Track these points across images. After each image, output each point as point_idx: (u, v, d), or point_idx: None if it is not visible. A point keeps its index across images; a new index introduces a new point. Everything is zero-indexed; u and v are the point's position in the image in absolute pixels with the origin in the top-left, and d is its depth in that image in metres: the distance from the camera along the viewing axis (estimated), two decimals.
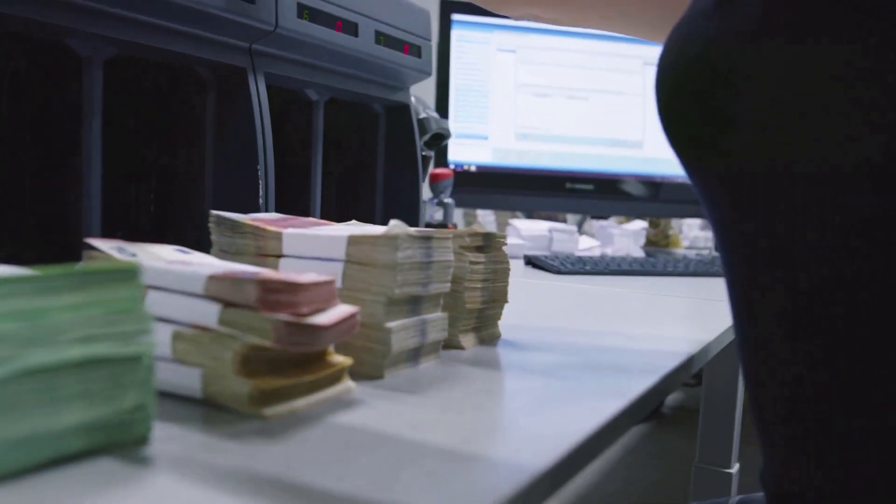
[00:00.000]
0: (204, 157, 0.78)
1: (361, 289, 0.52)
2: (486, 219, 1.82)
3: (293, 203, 0.91)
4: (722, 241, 0.47)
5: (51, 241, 0.70)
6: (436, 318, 0.56)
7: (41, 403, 0.31)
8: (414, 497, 0.33)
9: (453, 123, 1.54)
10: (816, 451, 0.44)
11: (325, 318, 0.44)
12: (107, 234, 0.69)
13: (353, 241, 0.52)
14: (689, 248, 1.91)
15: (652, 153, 1.67)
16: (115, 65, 0.69)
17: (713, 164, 0.45)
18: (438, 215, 1.38)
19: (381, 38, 0.92)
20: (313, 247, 0.53)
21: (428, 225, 1.33)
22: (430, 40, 1.02)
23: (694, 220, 1.90)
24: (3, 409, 0.30)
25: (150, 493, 0.31)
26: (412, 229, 0.53)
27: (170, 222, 0.81)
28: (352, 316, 0.46)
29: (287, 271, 0.46)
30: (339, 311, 0.46)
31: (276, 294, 0.42)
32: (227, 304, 0.43)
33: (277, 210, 0.79)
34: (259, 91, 0.78)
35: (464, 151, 1.55)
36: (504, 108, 1.60)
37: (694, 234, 1.91)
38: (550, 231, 1.50)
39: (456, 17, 1.58)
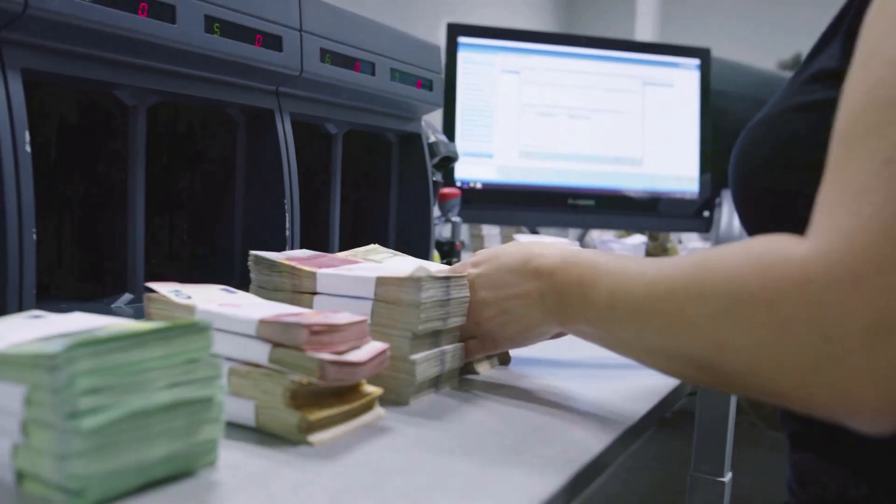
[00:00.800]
0: (235, 192, 0.85)
1: (388, 325, 0.58)
2: (491, 233, 1.88)
3: (313, 228, 0.97)
4: None
5: (99, 273, 0.76)
6: (454, 348, 0.62)
7: (137, 440, 0.38)
8: None
9: (459, 142, 1.60)
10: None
11: (360, 355, 0.50)
12: (148, 265, 0.76)
13: (380, 282, 0.58)
14: None
15: (651, 170, 1.73)
16: (154, 109, 0.75)
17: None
18: (446, 233, 1.44)
19: (396, 75, 0.98)
20: (345, 286, 0.60)
21: (437, 243, 1.39)
22: (440, 73, 1.08)
23: (691, 232, 1.96)
24: (107, 446, 0.36)
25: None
26: (434, 269, 0.59)
27: (203, 253, 0.87)
28: (383, 352, 0.52)
29: (325, 311, 0.52)
30: (372, 348, 0.52)
31: (319, 336, 0.48)
32: (276, 344, 0.49)
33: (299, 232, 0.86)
34: (285, 130, 0.84)
35: (470, 169, 1.61)
36: (508, 128, 1.66)
37: (692, 244, 1.97)
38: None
39: (462, 39, 1.64)
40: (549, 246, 0.63)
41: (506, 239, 1.89)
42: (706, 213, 1.76)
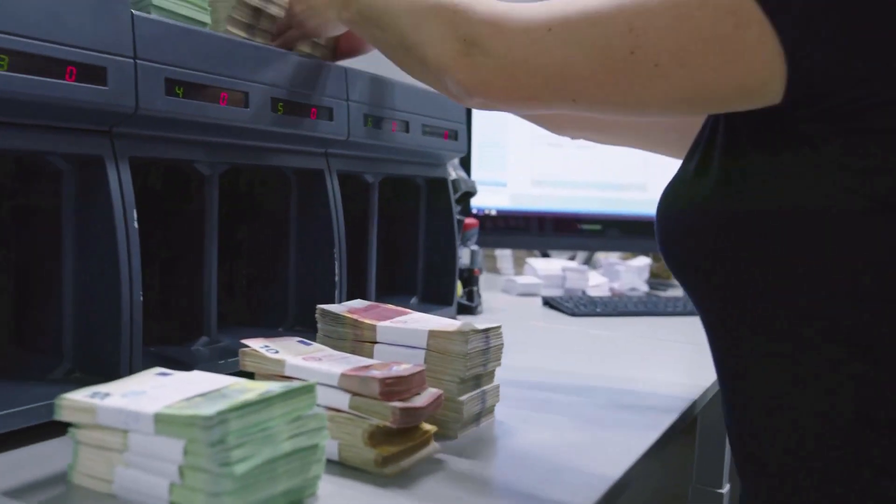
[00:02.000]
0: (289, 243, 0.96)
1: (439, 371, 0.69)
2: (504, 254, 1.99)
3: (351, 265, 1.07)
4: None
5: (178, 319, 0.87)
6: (492, 388, 0.74)
7: (266, 480, 0.49)
8: None
9: (476, 172, 1.71)
10: None
11: (422, 401, 0.62)
12: (219, 312, 0.87)
13: (432, 335, 0.70)
14: None
15: (654, 195, 1.83)
16: (222, 173, 0.87)
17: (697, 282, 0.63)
18: (465, 259, 1.55)
19: (427, 130, 1.09)
20: (401, 337, 0.71)
21: None
22: (464, 124, 1.20)
23: None
24: (247, 485, 0.48)
25: None
26: (477, 324, 0.71)
27: (262, 297, 0.98)
28: (439, 397, 0.64)
29: (390, 363, 0.63)
30: (430, 394, 0.63)
31: (390, 387, 0.60)
32: (354, 393, 0.60)
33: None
34: (334, 187, 0.95)
35: (485, 198, 1.72)
36: (521, 158, 1.77)
37: None
38: (564, 270, 1.68)
39: None
40: None
41: (517, 261, 2.00)
42: None
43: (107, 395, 0.53)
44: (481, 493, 0.57)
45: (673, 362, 1.08)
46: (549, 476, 0.61)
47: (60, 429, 0.56)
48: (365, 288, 1.08)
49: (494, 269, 2.01)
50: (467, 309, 1.34)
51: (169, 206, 0.87)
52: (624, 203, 1.83)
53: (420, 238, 1.21)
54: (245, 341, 0.67)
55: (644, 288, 1.78)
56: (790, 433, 0.58)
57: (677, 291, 1.79)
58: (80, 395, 0.54)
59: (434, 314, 1.13)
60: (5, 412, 0.61)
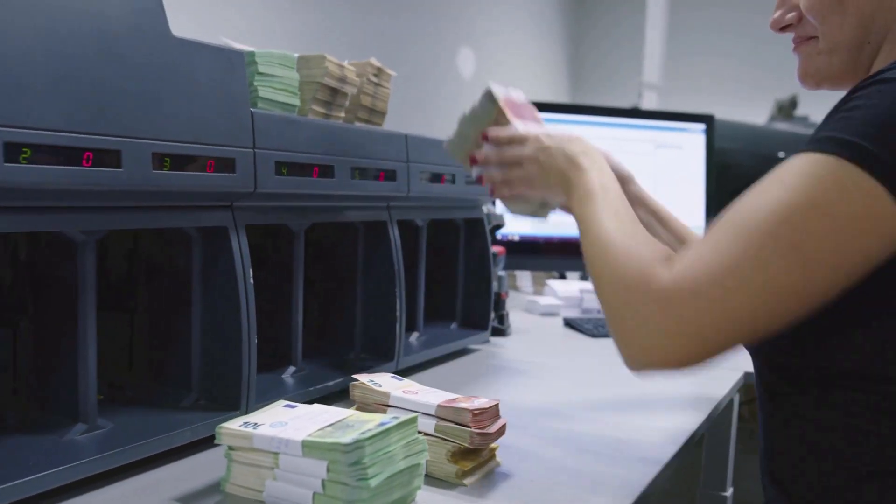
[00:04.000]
0: (356, 283, 1.12)
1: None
2: (523, 274, 2.15)
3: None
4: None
5: (271, 351, 1.03)
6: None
7: (386, 491, 0.65)
8: None
9: (499, 202, 1.87)
10: None
11: (493, 427, 0.78)
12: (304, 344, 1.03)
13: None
14: None
15: None
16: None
17: None
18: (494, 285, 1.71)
19: (469, 181, 1.26)
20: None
21: None
22: None
23: None
24: (374, 495, 0.64)
25: None
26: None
27: (332, 328, 1.15)
28: (504, 425, 0.80)
29: (470, 396, 0.79)
30: (499, 422, 0.79)
31: (477, 417, 0.76)
32: (442, 419, 0.76)
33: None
34: (395, 236, 1.12)
35: (509, 224, 1.88)
36: None
37: None
38: (581, 292, 1.84)
39: None
40: (597, 156, 0.86)
41: (536, 280, 2.16)
42: None
43: (257, 424, 0.70)
44: (536, 490, 0.73)
45: (687, 381, 1.24)
46: (581, 481, 0.77)
47: (184, 450, 0.72)
48: (415, 316, 1.24)
49: (514, 287, 2.17)
50: (499, 331, 1.50)
51: (265, 257, 1.03)
52: None
53: (459, 271, 1.38)
54: (356, 376, 0.84)
55: None
56: (818, 473, 0.70)
57: None
58: (235, 425, 0.70)
59: (471, 338, 1.30)
60: (152, 439, 0.77)
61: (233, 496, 0.71)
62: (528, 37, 5.79)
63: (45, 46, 0.63)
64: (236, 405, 0.85)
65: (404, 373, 1.18)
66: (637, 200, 1.06)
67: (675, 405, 1.08)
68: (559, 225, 1.94)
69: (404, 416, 0.69)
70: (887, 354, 0.64)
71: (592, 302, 1.82)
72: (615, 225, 0.75)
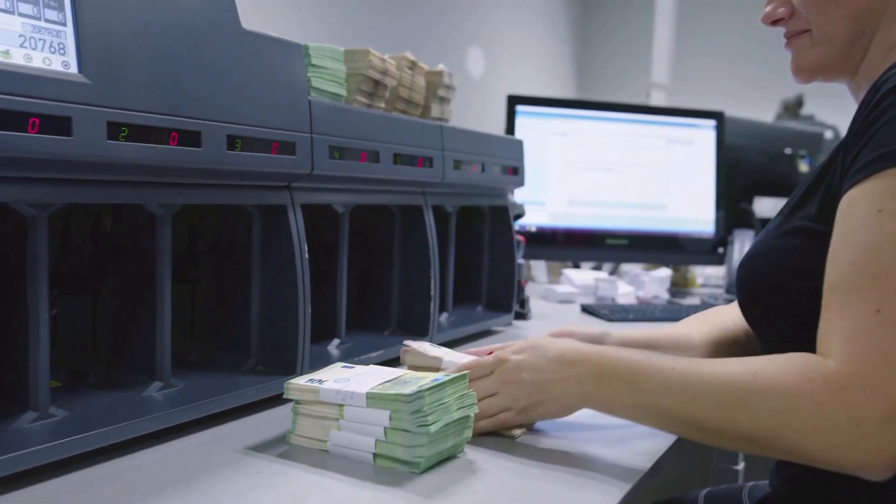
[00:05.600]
0: (394, 266, 1.19)
1: None
2: (538, 265, 2.23)
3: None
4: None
5: (316, 325, 1.10)
6: None
7: (441, 438, 0.73)
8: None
9: (518, 192, 1.94)
10: None
11: None
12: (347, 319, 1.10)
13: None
14: (704, 285, 2.33)
15: (674, 213, 2.07)
16: (352, 213, 1.10)
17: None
18: None
19: (498, 169, 1.33)
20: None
21: None
22: (523, 159, 1.43)
23: (707, 266, 2.30)
24: (431, 441, 0.71)
25: (470, 465, 0.72)
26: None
27: (370, 304, 1.22)
28: None
29: None
30: None
31: None
32: None
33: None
34: (430, 220, 1.19)
35: (526, 215, 1.96)
36: (558, 180, 2.01)
37: (707, 272, 2.33)
38: (596, 280, 1.91)
39: (519, 108, 1.99)
40: (574, 342, 0.81)
41: (550, 270, 2.24)
42: (720, 250, 2.11)
43: (322, 381, 0.77)
44: (569, 446, 0.80)
45: None
46: (604, 449, 0.84)
47: (246, 409, 0.80)
48: (445, 296, 1.31)
49: (529, 277, 2.24)
50: (521, 315, 1.57)
51: (309, 238, 1.10)
52: (647, 220, 2.06)
53: (485, 256, 1.45)
54: (407, 342, 0.91)
55: (665, 296, 2.01)
56: None
57: (695, 300, 2.02)
58: (302, 381, 0.77)
59: (496, 320, 1.37)
60: (222, 396, 0.84)
61: (297, 447, 0.78)
62: (535, 37, 5.86)
63: (139, 39, 0.71)
64: (292, 370, 0.92)
65: None
66: (626, 344, 0.98)
67: None
68: (574, 217, 2.01)
69: (461, 374, 0.76)
70: None
71: (607, 290, 1.90)
72: (690, 368, 0.71)
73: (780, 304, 0.78)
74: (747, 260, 0.84)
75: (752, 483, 1.04)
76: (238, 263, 0.95)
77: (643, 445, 0.83)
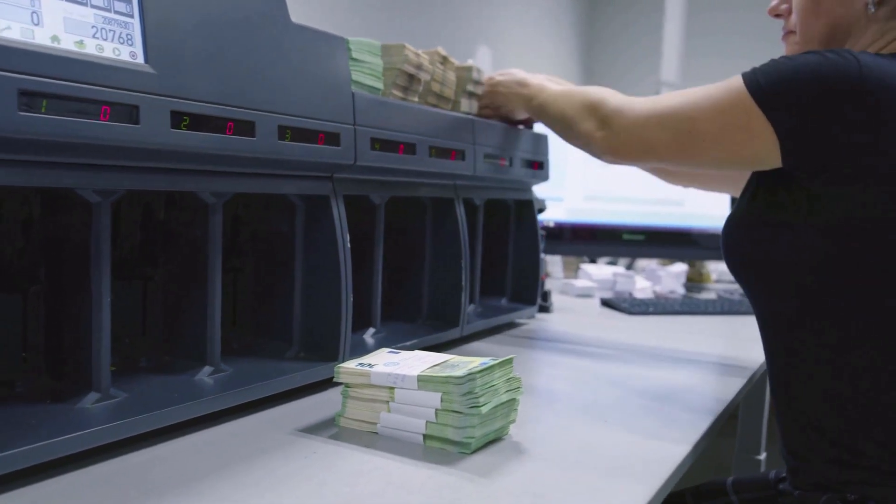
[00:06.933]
0: (425, 257, 1.21)
1: None
2: (554, 260, 2.25)
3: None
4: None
5: (356, 316, 1.12)
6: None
7: (491, 419, 0.75)
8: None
9: (536, 189, 1.96)
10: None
11: None
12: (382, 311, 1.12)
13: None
14: (718, 280, 2.35)
15: (690, 210, 2.09)
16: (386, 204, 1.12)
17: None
18: None
19: (525, 163, 1.35)
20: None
21: None
22: (548, 154, 1.45)
23: (722, 260, 2.32)
24: (482, 422, 0.73)
25: (517, 447, 0.75)
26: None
27: (400, 296, 1.24)
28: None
29: None
30: None
31: None
32: None
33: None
34: (461, 212, 1.21)
35: (546, 211, 1.98)
36: (576, 177, 2.03)
37: (721, 268, 2.34)
38: (614, 275, 1.93)
39: None
40: (535, 76, 1.25)
41: (566, 265, 2.26)
42: None
43: (371, 364, 0.79)
44: (610, 424, 0.83)
45: (713, 355, 1.33)
46: (619, 433, 0.87)
47: (291, 395, 0.83)
48: (473, 288, 1.34)
49: (547, 272, 2.27)
50: (544, 308, 1.59)
51: (357, 227, 1.12)
52: (663, 216, 2.08)
53: (510, 249, 1.47)
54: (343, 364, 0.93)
55: (681, 291, 2.03)
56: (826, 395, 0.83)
57: (710, 294, 2.04)
58: (351, 365, 0.79)
59: (520, 312, 1.39)
60: (270, 380, 0.86)
61: (347, 429, 0.80)
62: (543, 36, 5.88)
63: (198, 31, 0.73)
64: (334, 356, 0.94)
65: (467, 339, 1.28)
66: None
67: (718, 371, 1.17)
68: (591, 212, 2.03)
69: (504, 357, 0.78)
70: None
71: (624, 284, 1.92)
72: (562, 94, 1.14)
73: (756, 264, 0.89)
74: (729, 226, 0.93)
75: (774, 471, 1.07)
76: (280, 253, 0.97)
77: (677, 434, 0.86)
